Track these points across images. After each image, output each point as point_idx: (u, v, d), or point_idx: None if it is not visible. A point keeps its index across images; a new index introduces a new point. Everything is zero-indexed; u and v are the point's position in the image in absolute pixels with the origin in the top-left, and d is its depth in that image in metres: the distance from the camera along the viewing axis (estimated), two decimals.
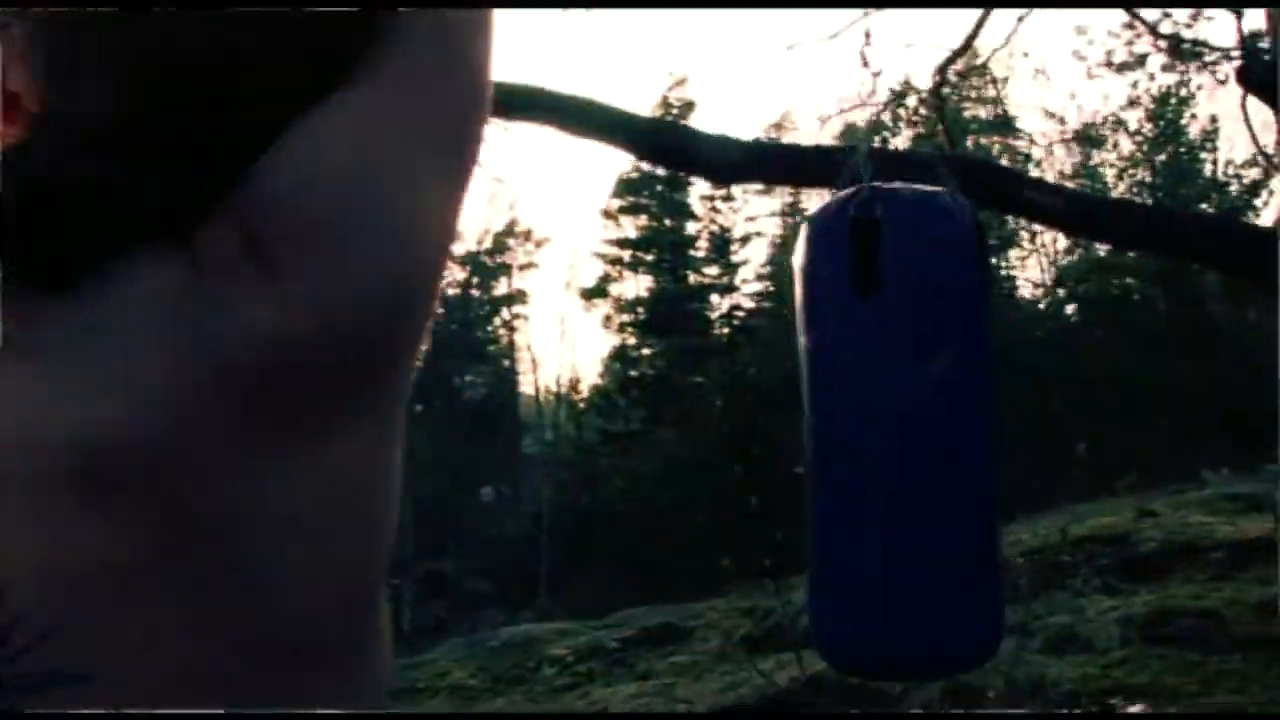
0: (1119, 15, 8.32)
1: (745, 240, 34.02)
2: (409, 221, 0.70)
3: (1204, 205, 23.50)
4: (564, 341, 60.42)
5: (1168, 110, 23.62)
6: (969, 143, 24.00)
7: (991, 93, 19.73)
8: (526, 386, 38.17)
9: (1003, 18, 6.88)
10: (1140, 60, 10.46)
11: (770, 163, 3.46)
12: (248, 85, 0.69)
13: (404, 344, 0.72)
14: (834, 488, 2.38)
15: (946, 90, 7.35)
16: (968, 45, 6.95)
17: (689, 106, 37.16)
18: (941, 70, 7.04)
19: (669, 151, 4.02)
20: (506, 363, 37.86)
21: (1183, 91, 21.93)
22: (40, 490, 0.60)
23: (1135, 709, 5.84)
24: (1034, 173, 22.77)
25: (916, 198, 2.29)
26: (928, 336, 2.18)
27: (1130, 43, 9.45)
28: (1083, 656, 7.34)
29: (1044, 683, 6.90)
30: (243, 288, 0.64)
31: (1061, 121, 24.87)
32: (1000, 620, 2.52)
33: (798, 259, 2.45)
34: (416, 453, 32.71)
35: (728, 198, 34.69)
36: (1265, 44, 6.11)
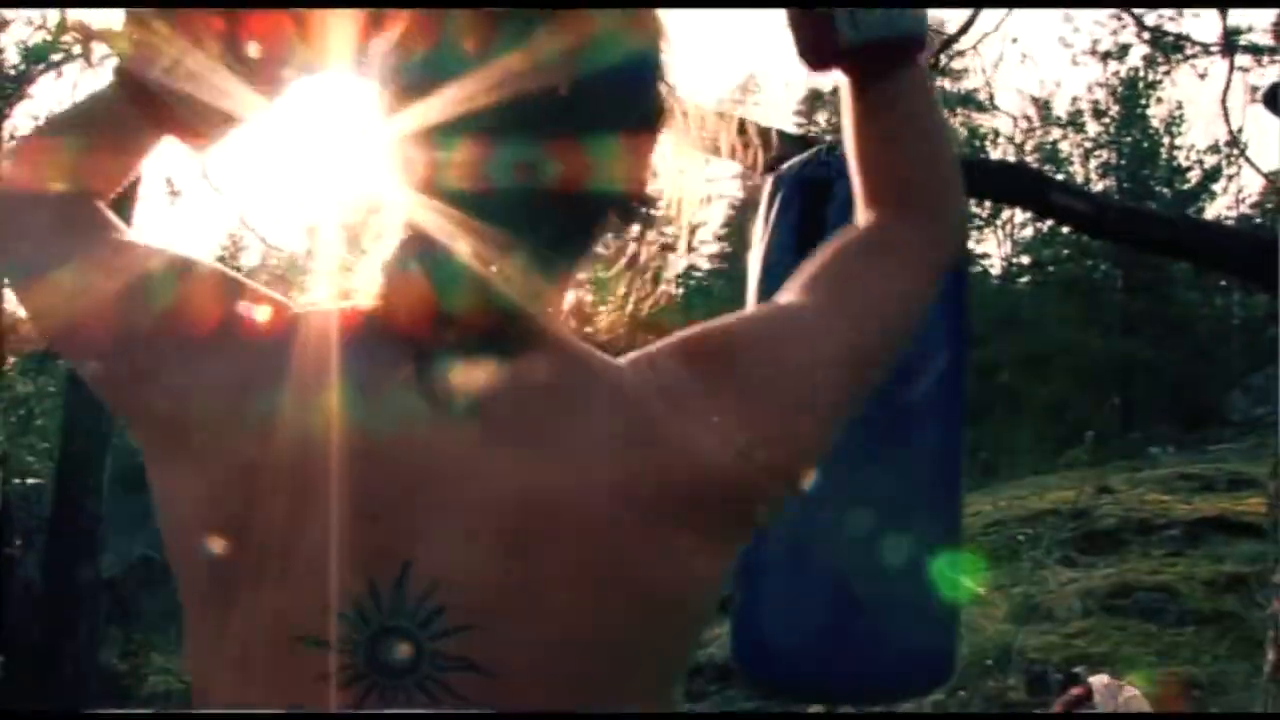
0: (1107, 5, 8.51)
1: (705, 201, 34.14)
2: (821, 385, 0.83)
3: (1165, 190, 23.96)
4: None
5: (1136, 94, 23.97)
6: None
7: (963, 70, 19.99)
8: None
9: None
10: (1123, 50, 10.69)
11: None
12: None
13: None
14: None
15: (938, 73, 7.48)
16: (965, 29, 7.11)
17: None
18: (937, 53, 7.20)
19: None
20: None
21: (1150, 76, 22.28)
22: (477, 525, 0.76)
23: (1099, 678, 6.11)
24: (1008, 152, 23.14)
25: None
26: None
27: (1115, 32, 9.68)
28: (1045, 626, 7.65)
29: (1009, 651, 7.19)
30: (688, 417, 0.78)
31: (1046, 106, 25.28)
32: (953, 655, 2.22)
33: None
34: None
35: None
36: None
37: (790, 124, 36.81)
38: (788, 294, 0.87)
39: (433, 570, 0.75)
